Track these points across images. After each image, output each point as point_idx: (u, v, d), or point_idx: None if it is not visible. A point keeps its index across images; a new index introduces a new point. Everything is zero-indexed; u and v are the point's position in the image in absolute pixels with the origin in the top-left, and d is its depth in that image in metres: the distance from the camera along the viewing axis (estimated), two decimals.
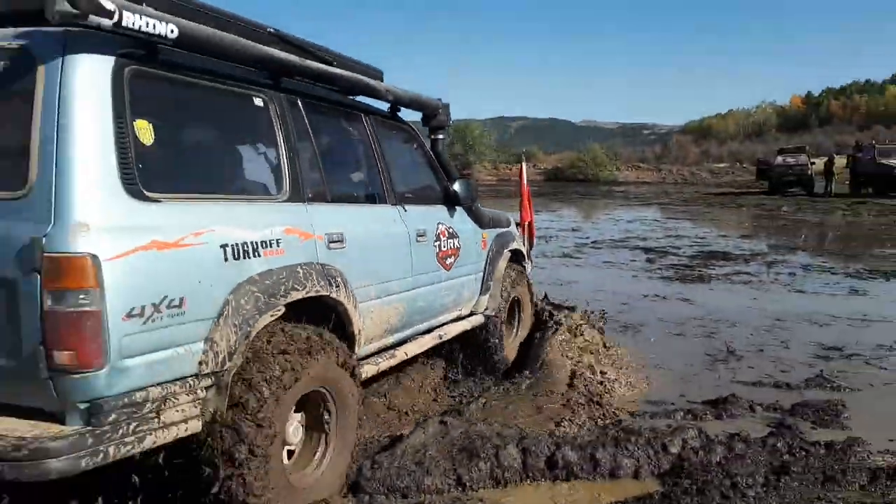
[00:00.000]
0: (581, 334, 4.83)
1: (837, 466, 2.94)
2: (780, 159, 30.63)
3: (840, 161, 30.93)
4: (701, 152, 73.39)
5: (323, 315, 2.64)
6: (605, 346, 4.93)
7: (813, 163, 30.63)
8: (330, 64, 3.09)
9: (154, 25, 1.98)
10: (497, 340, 4.38)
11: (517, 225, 5.24)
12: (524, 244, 5.23)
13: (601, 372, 4.36)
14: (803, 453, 3.11)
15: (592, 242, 13.32)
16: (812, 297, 7.89)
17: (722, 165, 58.14)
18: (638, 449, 3.16)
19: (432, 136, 4.24)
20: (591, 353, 4.65)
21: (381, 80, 3.58)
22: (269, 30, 2.81)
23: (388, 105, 3.73)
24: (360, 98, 3.50)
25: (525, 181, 6.20)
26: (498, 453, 3.04)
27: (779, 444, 3.21)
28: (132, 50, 2.05)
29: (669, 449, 3.18)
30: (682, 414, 3.88)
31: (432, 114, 4.10)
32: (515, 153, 61.22)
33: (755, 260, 10.89)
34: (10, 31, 1.95)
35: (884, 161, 25.67)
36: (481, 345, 4.34)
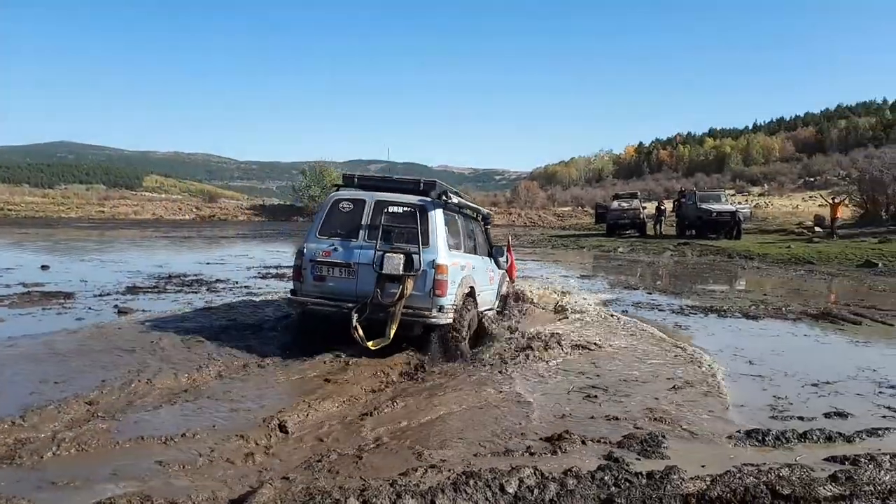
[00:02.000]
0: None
1: (655, 495, 3.16)
2: (615, 204, 33.04)
3: (668, 205, 33.97)
4: (547, 196, 77.55)
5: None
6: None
7: (645, 207, 33.33)
8: (478, 212, 8.94)
9: (452, 197, 7.10)
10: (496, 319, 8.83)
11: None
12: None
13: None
14: (627, 484, 3.31)
15: None
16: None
17: (566, 209, 61.76)
18: (477, 492, 3.22)
19: (486, 227, 9.41)
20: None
21: (486, 212, 9.50)
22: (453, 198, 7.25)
23: (483, 217, 9.29)
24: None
25: (510, 245, 11.00)
26: None
27: (606, 478, 3.39)
28: (445, 201, 6.88)
29: (507, 489, 3.26)
30: (521, 452, 4.00)
31: (488, 219, 9.57)
32: None
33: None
34: (417, 198, 6.79)
35: (704, 206, 28.31)
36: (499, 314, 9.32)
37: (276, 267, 15.69)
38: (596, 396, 5.39)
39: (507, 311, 9.49)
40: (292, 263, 7.22)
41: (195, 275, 13.35)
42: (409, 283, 6.29)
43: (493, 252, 8.93)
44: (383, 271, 6.31)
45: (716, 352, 7.31)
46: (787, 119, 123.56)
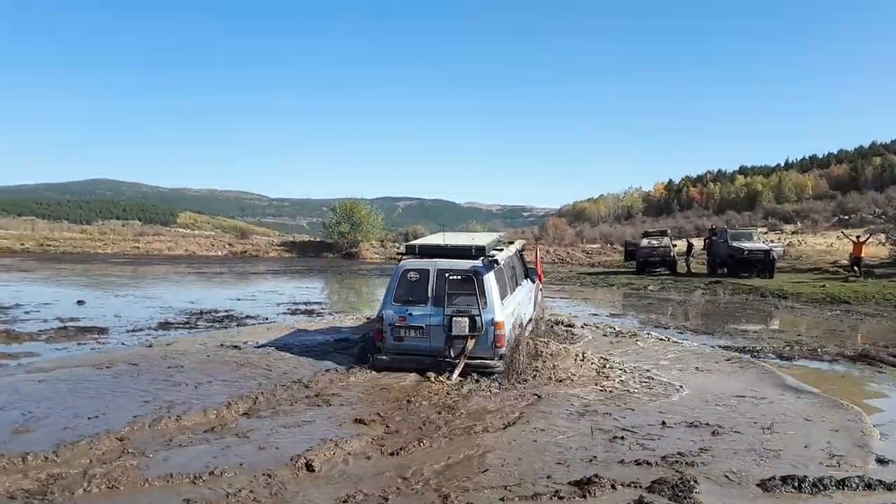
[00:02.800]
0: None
1: None
2: (645, 242, 32.74)
3: (698, 243, 33.60)
4: (576, 233, 77.31)
5: None
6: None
7: (675, 245, 33.00)
8: (522, 254, 11.27)
9: (498, 257, 8.48)
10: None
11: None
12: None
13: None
14: None
15: None
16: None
17: (595, 246, 61.34)
18: None
19: (521, 254, 11.13)
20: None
21: (520, 245, 11.60)
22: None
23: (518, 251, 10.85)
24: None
25: (538, 259, 13.16)
26: None
27: None
28: (493, 262, 8.12)
29: None
30: (549, 496, 3.94)
31: (522, 251, 11.30)
32: (403, 232, 61.99)
33: None
34: (470, 262, 7.99)
35: (735, 244, 27.90)
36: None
37: (306, 303, 15.80)
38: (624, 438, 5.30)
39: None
40: (374, 327, 8.37)
41: (226, 311, 13.52)
42: (472, 342, 7.71)
43: (528, 273, 11.26)
44: (452, 333, 7.69)
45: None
46: (820, 156, 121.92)
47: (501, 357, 7.80)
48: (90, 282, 21.85)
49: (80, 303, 14.38)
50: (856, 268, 24.71)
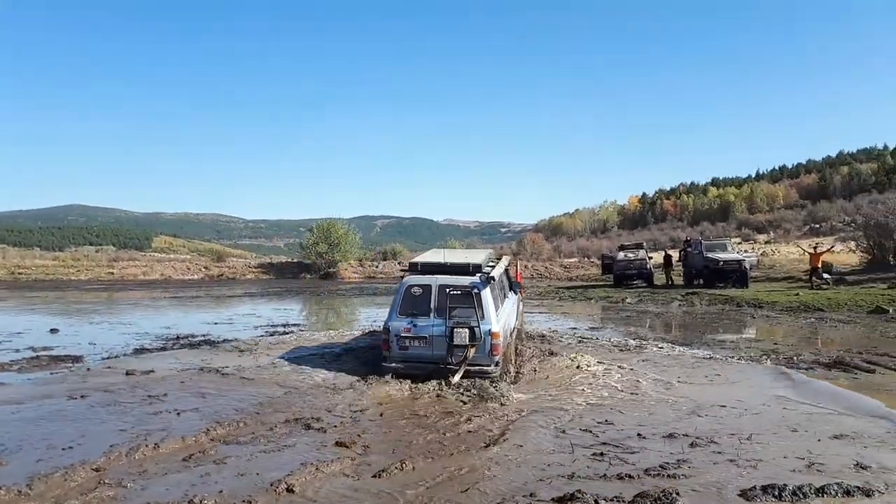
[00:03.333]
0: None
1: None
2: (621, 255, 33.03)
3: (673, 253, 33.95)
4: (553, 248, 77.69)
5: None
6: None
7: (651, 257, 33.29)
8: (508, 270, 12.20)
9: (493, 272, 9.36)
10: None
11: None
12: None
13: None
14: None
15: None
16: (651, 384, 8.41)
17: (572, 260, 61.68)
18: None
19: (508, 270, 11.91)
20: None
21: (508, 261, 12.66)
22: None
23: (506, 267, 11.75)
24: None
25: (519, 272, 14.59)
26: None
27: None
28: (489, 278, 9.00)
29: None
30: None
31: (509, 265, 12.49)
32: (381, 250, 61.88)
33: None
34: (469, 278, 8.83)
35: (710, 255, 28.24)
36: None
37: (284, 325, 15.68)
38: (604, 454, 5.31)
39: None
40: (381, 338, 9.17)
41: (203, 335, 13.37)
42: (472, 350, 8.47)
43: (512, 286, 12.41)
44: (453, 343, 8.49)
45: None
46: (790, 167, 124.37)
47: (497, 364, 8.62)
48: (63, 309, 21.46)
49: (53, 331, 14.12)
50: (814, 277, 24.95)
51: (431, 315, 8.78)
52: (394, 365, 8.76)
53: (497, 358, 8.60)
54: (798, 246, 29.80)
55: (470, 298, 8.66)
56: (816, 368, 9.64)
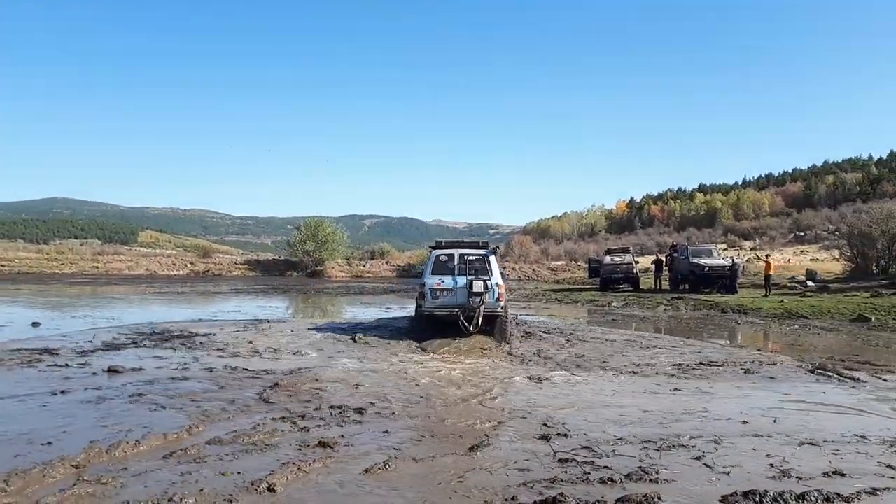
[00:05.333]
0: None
1: None
2: (608, 259, 33.17)
3: (661, 258, 34.11)
4: (541, 251, 77.84)
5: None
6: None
7: (637, 262, 33.44)
8: (496, 250, 13.58)
9: (498, 250, 13.67)
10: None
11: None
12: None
13: None
14: None
15: None
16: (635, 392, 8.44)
17: (560, 263, 61.89)
18: None
19: (494, 256, 12.99)
20: None
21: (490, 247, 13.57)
22: (480, 242, 13.68)
23: (493, 251, 13.29)
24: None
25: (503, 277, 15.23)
26: None
27: None
28: (495, 249, 13.30)
29: None
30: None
31: (495, 251, 13.23)
32: (369, 250, 61.72)
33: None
34: (482, 251, 12.83)
35: (696, 261, 28.41)
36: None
37: (268, 321, 15.60)
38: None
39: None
40: (419, 291, 12.69)
41: (188, 332, 13.26)
42: (486, 296, 11.96)
43: (502, 274, 14.80)
44: (473, 290, 11.87)
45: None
46: (776, 174, 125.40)
47: (503, 308, 12.31)
48: (46, 303, 21.25)
49: (35, 324, 13.97)
50: (766, 287, 25.69)
51: (454, 274, 12.31)
52: (429, 310, 12.23)
53: (502, 303, 12.29)
54: (759, 257, 30.20)
55: (483, 262, 12.51)
56: (800, 373, 9.71)
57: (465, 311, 11.79)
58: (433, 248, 13.30)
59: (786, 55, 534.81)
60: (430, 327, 12.32)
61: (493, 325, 12.14)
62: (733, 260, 29.00)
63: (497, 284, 12.13)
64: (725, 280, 26.73)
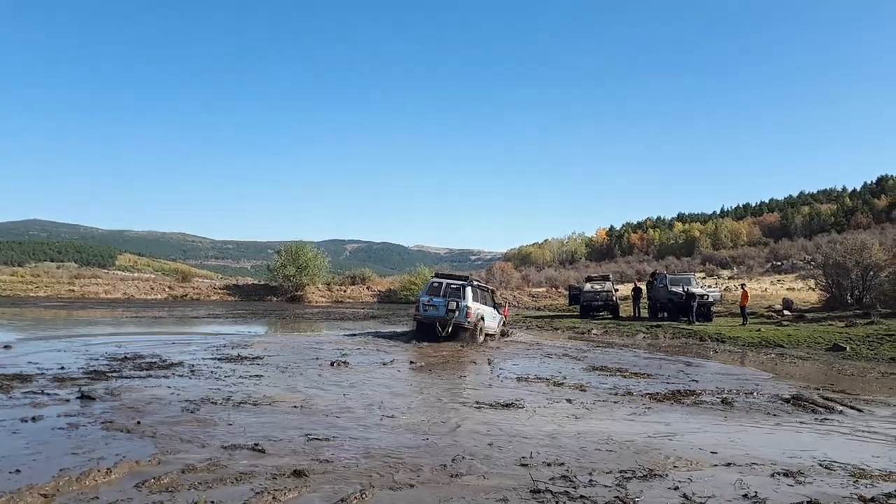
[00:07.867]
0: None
1: None
2: (588, 286, 33.36)
3: (641, 286, 34.38)
4: (522, 277, 78.11)
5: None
6: None
7: (617, 289, 33.65)
8: (489, 288, 22.78)
9: (476, 282, 20.68)
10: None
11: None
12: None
13: None
14: None
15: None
16: (610, 422, 8.47)
17: (540, 289, 62.11)
18: None
19: (493, 295, 22.62)
20: None
21: (492, 288, 24.38)
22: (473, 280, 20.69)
23: (491, 291, 22.68)
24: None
25: (506, 309, 24.01)
26: None
27: None
28: (471, 282, 19.66)
29: None
30: None
31: (494, 292, 23.42)
32: (350, 275, 61.45)
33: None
34: (462, 281, 19.35)
35: (674, 289, 28.67)
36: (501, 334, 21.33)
37: (245, 346, 15.42)
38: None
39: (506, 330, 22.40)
40: (416, 304, 19.31)
41: (164, 358, 13.07)
42: (456, 313, 17.77)
43: (496, 307, 21.21)
44: (448, 308, 17.90)
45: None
46: (753, 205, 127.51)
47: (469, 322, 18.10)
48: (20, 326, 20.87)
49: (6, 347, 13.70)
50: (742, 316, 25.94)
51: (440, 296, 18.35)
52: (421, 318, 18.50)
53: (470, 320, 18.15)
54: (743, 287, 30.50)
55: (458, 290, 18.44)
56: (776, 402, 9.79)
57: (441, 322, 17.87)
58: (433, 276, 20.60)
59: (762, 88, 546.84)
60: (420, 331, 18.64)
61: (458, 334, 17.91)
62: (707, 290, 29.36)
63: (466, 307, 18.00)
64: (703, 308, 26.98)
